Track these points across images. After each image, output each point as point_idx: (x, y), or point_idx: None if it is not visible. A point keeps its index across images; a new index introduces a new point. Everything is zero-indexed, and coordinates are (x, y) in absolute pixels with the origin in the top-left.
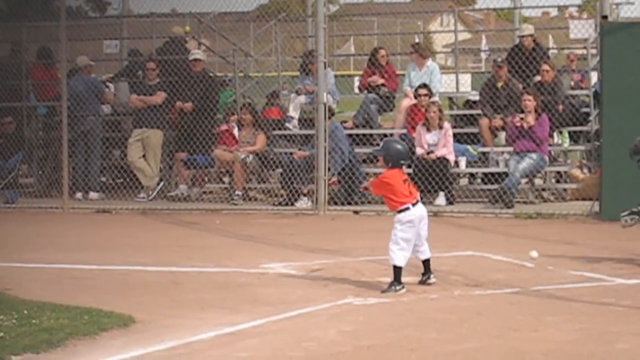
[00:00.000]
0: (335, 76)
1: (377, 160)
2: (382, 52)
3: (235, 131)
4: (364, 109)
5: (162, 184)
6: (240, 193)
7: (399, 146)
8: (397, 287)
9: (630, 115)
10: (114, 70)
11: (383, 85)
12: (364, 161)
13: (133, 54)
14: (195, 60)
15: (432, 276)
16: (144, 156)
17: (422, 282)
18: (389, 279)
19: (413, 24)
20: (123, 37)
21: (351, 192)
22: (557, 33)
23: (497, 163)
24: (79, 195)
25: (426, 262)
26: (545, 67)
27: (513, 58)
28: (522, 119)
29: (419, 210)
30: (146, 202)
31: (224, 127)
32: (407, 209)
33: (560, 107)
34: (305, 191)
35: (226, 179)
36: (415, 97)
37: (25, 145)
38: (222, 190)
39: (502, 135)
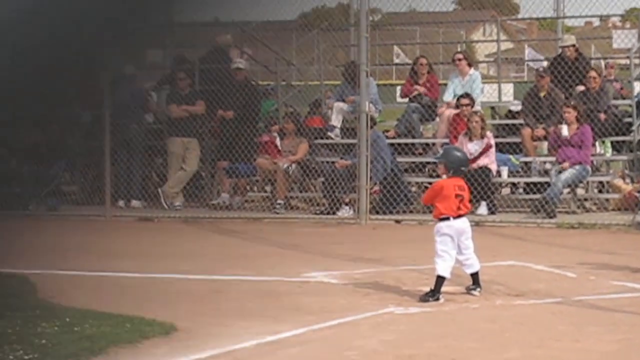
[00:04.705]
0: (378, 85)
1: (426, 169)
2: (423, 60)
3: (277, 141)
4: (406, 118)
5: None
6: (282, 202)
7: (459, 153)
8: (432, 298)
9: None
10: (157, 79)
11: (425, 94)
12: (406, 170)
13: (179, 61)
14: (238, 69)
15: (478, 289)
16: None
17: (467, 290)
18: (430, 288)
19: (455, 34)
20: (167, 46)
21: (393, 201)
22: (600, 43)
23: (539, 173)
24: (121, 203)
25: (474, 275)
26: (593, 73)
27: (555, 68)
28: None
29: (459, 224)
30: (188, 210)
31: (265, 137)
32: (447, 219)
33: (602, 116)
34: (347, 200)
35: (268, 188)
36: (458, 107)
37: (69, 153)
38: (264, 198)
39: (544, 144)
